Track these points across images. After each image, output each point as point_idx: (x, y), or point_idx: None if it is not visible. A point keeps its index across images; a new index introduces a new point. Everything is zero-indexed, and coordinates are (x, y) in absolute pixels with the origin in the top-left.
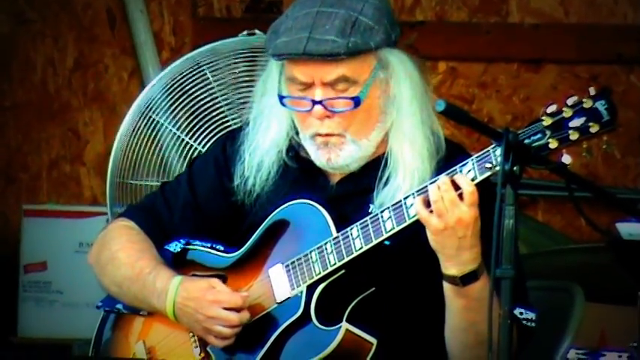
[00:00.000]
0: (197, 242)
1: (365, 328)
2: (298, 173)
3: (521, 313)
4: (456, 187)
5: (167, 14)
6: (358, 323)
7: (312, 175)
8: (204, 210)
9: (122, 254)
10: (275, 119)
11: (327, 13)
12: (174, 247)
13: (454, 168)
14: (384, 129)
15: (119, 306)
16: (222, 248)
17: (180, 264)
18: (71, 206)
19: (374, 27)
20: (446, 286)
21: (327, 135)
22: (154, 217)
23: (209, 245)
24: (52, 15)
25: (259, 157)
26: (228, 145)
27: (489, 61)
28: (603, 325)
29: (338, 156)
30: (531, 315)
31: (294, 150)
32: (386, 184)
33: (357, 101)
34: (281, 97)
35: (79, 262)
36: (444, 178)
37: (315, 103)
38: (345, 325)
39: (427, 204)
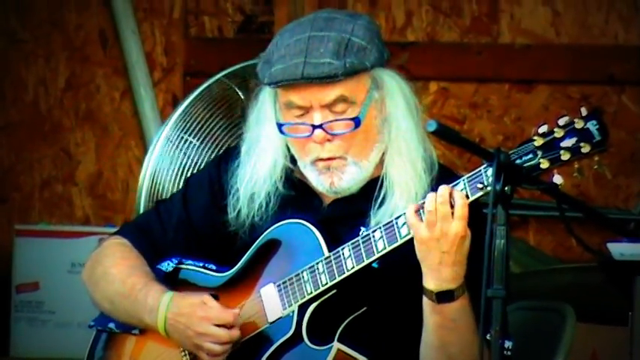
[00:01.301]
0: (189, 262)
1: (356, 348)
2: (291, 196)
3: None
4: (450, 203)
5: (159, 34)
6: (350, 343)
7: (305, 197)
8: (198, 229)
9: (114, 270)
10: (271, 149)
11: (319, 37)
12: (167, 266)
13: (450, 185)
14: (382, 149)
15: (111, 325)
16: (214, 267)
17: (172, 283)
18: (63, 226)
19: (367, 47)
20: (424, 300)
21: (328, 159)
22: (147, 235)
23: (201, 265)
24: (44, 35)
25: (252, 189)
26: (223, 172)
27: (481, 81)
28: (594, 346)
29: (341, 179)
30: (509, 344)
31: (285, 174)
32: (382, 204)
33: (357, 122)
34: (280, 125)
35: (72, 282)
36: (444, 189)
37: (315, 127)
38: (336, 345)
39: (418, 212)
